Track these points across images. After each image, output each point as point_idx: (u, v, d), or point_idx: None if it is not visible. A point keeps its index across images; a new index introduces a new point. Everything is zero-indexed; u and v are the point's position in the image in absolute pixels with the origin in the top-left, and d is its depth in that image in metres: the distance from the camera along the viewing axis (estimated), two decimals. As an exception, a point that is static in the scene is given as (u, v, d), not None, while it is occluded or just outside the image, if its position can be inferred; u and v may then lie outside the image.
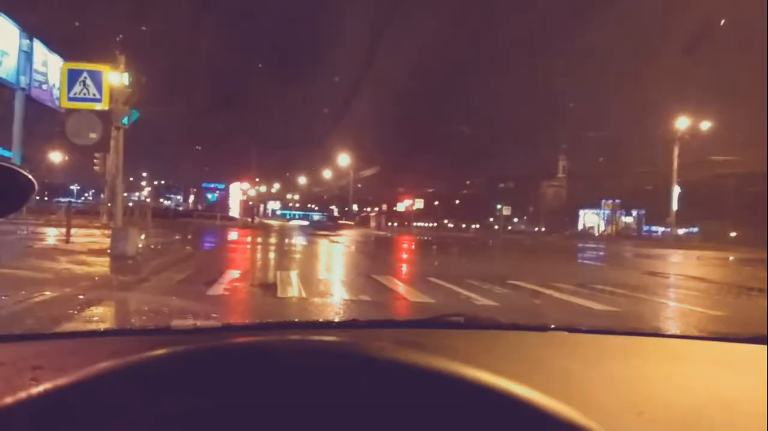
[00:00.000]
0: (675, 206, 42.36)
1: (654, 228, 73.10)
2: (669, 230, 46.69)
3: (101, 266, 9.90)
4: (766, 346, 1.51)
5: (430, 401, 0.49)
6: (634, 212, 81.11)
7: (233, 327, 1.40)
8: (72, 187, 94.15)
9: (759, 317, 8.00)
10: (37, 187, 0.91)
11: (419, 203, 58.10)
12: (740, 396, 1.09)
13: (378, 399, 0.49)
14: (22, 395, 0.48)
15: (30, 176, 0.89)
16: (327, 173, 75.45)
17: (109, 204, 17.18)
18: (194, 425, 0.48)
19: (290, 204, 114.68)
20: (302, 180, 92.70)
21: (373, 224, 59.18)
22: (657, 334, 1.86)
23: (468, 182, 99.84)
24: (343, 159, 62.07)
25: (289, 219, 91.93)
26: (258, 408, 0.49)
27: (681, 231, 57.60)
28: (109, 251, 11.58)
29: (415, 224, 59.59)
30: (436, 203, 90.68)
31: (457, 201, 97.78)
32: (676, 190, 41.84)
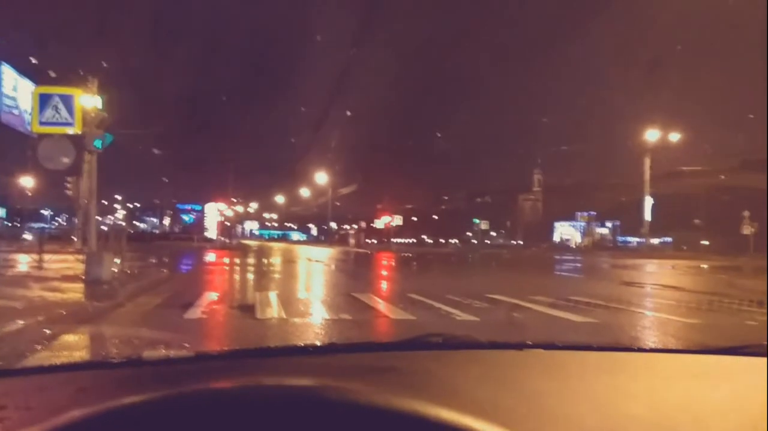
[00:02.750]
0: (648, 217, 43.05)
1: (629, 239, 74.22)
2: (644, 240, 47.40)
3: (75, 292, 9.68)
4: (741, 357, 1.53)
5: None
6: (609, 224, 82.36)
7: (206, 356, 1.37)
8: (44, 212, 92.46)
9: (734, 326, 8.14)
10: None
11: (398, 220, 58.21)
12: (716, 409, 1.10)
13: None
14: None
15: None
16: (305, 192, 75.16)
17: (77, 228, 16.87)
18: None
19: (268, 224, 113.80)
20: (280, 199, 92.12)
21: (352, 241, 59.00)
22: (634, 348, 1.87)
23: (446, 198, 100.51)
24: (321, 177, 61.98)
25: (268, 239, 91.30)
26: None
27: (655, 241, 58.52)
28: (83, 276, 11.35)
29: (394, 240, 59.54)
30: (415, 219, 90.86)
31: (436, 217, 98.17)
32: (649, 201, 42.55)
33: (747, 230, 36.23)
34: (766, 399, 1.05)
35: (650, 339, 6.94)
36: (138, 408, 0.51)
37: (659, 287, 14.64)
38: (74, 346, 5.72)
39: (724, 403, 1.13)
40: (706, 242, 53.35)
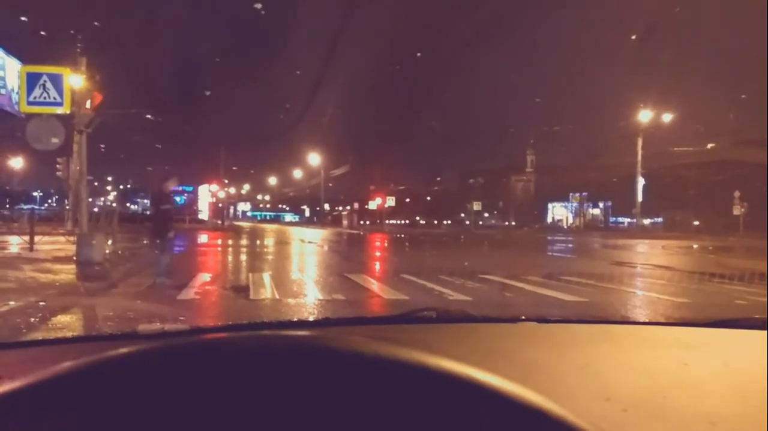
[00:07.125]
0: (640, 197, 43.25)
1: (620, 219, 74.64)
2: (635, 220, 47.68)
3: (67, 273, 9.67)
4: (727, 330, 1.55)
5: (404, 392, 0.48)
6: (601, 204, 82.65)
7: (202, 330, 1.38)
8: (34, 193, 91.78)
9: (722, 303, 8.25)
10: None
11: (391, 201, 57.98)
12: (703, 378, 1.12)
13: (351, 393, 0.48)
14: None
15: None
16: (298, 173, 74.97)
17: (68, 209, 16.76)
18: (163, 425, 0.47)
19: (261, 205, 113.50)
20: (273, 181, 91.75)
21: (345, 222, 58.97)
22: (624, 321, 1.90)
23: (438, 179, 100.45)
24: (314, 159, 61.76)
25: (260, 220, 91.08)
26: (228, 405, 0.48)
27: (646, 221, 58.91)
28: (74, 257, 11.31)
29: (387, 221, 59.54)
30: (408, 200, 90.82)
31: (429, 198, 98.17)
32: (641, 181, 42.71)
33: (737, 210, 36.56)
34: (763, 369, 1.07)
35: (640, 317, 7.02)
36: (132, 357, 0.50)
37: (649, 266, 14.77)
38: (68, 324, 5.72)
39: (716, 372, 1.15)
40: (697, 223, 53.71)
